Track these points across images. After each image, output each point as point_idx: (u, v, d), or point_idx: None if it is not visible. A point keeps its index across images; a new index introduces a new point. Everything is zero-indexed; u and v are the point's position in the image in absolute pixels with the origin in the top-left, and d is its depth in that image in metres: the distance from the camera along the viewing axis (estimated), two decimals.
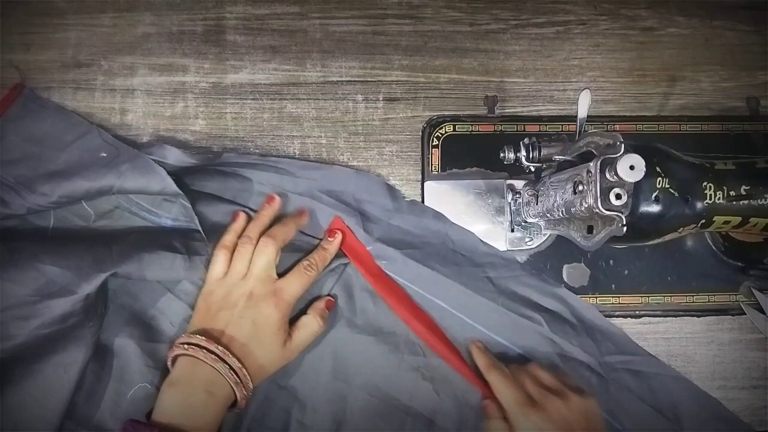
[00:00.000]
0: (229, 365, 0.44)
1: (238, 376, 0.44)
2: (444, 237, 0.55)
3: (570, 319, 0.54)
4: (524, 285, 0.54)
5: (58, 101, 0.56)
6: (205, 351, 0.44)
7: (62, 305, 0.46)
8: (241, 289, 0.47)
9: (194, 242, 0.50)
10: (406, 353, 0.51)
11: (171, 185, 0.49)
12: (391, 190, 0.56)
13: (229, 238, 0.50)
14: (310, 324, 0.49)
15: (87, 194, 0.49)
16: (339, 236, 0.52)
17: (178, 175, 0.51)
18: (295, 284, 0.49)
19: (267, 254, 0.49)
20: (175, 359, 0.45)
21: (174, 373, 0.45)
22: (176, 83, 0.58)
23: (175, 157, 0.52)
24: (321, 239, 0.53)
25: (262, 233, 0.50)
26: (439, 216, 0.56)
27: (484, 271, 0.54)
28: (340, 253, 0.53)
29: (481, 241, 0.55)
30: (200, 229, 0.50)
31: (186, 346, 0.44)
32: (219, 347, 0.44)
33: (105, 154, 0.51)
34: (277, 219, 0.52)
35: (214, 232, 0.51)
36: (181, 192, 0.49)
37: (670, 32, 0.62)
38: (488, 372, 0.49)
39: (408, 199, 0.57)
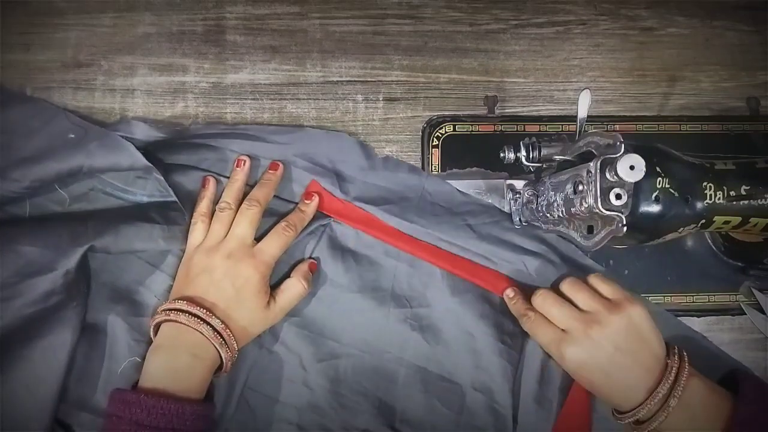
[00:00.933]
0: (212, 327, 0.44)
1: (223, 338, 0.44)
2: (421, 190, 0.55)
3: (554, 260, 0.54)
4: (506, 229, 0.54)
5: (58, 101, 0.56)
6: (187, 315, 0.44)
7: (43, 283, 0.46)
8: (219, 252, 0.47)
9: (172, 212, 0.51)
10: (392, 306, 0.52)
11: (140, 159, 0.49)
12: (365, 148, 0.56)
13: (205, 204, 0.50)
14: (293, 286, 0.49)
15: (58, 176, 0.49)
16: (316, 198, 0.52)
17: (149, 150, 0.51)
18: (273, 245, 0.49)
19: (249, 217, 0.49)
20: (157, 327, 0.46)
21: (158, 339, 0.45)
22: (176, 83, 0.58)
23: (143, 131, 0.52)
24: (297, 203, 0.53)
25: (239, 198, 0.50)
26: (414, 169, 0.56)
27: (464, 219, 0.54)
28: (320, 215, 0.53)
29: (459, 190, 0.56)
30: (176, 198, 0.50)
31: (168, 312, 0.44)
32: (202, 309, 0.44)
33: (73, 136, 0.51)
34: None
35: (192, 201, 0.51)
36: (151, 165, 0.49)
37: (670, 32, 0.62)
38: (521, 322, 0.49)
39: (382, 156, 0.57)
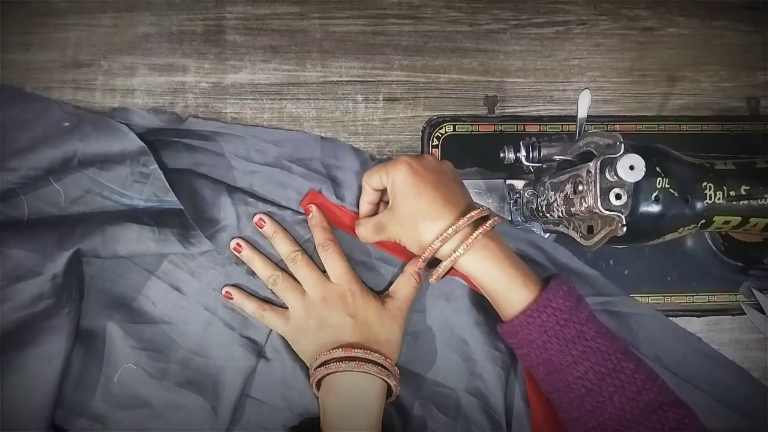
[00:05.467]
0: (374, 362, 0.46)
1: (385, 368, 0.46)
2: None
3: (546, 264, 0.54)
4: (498, 233, 0.53)
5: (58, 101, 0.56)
6: (348, 362, 0.46)
7: (31, 287, 0.46)
8: (332, 302, 0.49)
9: (165, 217, 0.51)
10: None
11: (135, 140, 0.50)
12: (359, 153, 0.56)
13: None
14: (406, 283, 0.51)
15: (53, 163, 0.49)
16: (313, 208, 0.52)
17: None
18: (336, 265, 0.50)
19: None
20: (319, 382, 0.47)
21: (328, 390, 0.47)
22: (176, 83, 0.58)
23: (140, 117, 0.52)
24: (294, 210, 0.53)
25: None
26: None
27: None
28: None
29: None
30: (167, 185, 0.50)
31: (331, 364, 0.46)
32: (358, 350, 0.46)
33: (68, 124, 0.51)
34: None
35: (191, 203, 0.50)
36: (145, 146, 0.50)
37: (670, 32, 0.62)
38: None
39: (376, 160, 0.56)
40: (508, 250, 0.45)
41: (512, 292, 0.44)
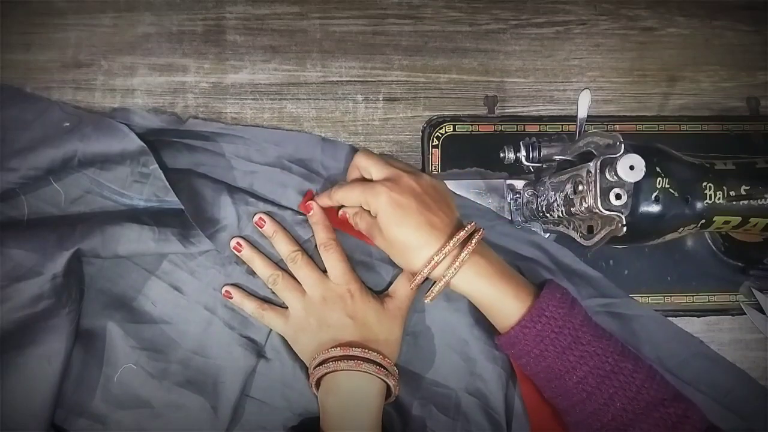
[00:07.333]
0: (373, 361, 0.46)
1: (384, 367, 0.46)
2: None
3: (548, 265, 0.54)
4: (500, 234, 0.54)
5: (58, 101, 0.56)
6: (347, 361, 0.46)
7: (31, 287, 0.46)
8: (332, 303, 0.49)
9: (165, 217, 0.51)
10: None
11: (135, 140, 0.50)
12: None
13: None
14: (403, 285, 0.51)
15: (53, 164, 0.49)
16: (314, 205, 0.52)
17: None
18: (336, 267, 0.50)
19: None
20: (318, 382, 0.47)
21: (327, 389, 0.47)
22: (176, 83, 0.58)
23: (140, 117, 0.52)
24: (294, 210, 0.53)
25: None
26: None
27: None
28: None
29: (455, 193, 0.55)
30: (167, 185, 0.50)
31: (330, 363, 0.46)
32: (356, 349, 0.46)
33: (68, 124, 0.52)
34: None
35: (191, 204, 0.50)
36: (145, 146, 0.50)
37: (670, 32, 0.62)
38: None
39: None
40: (498, 263, 0.46)
41: (505, 305, 0.44)
